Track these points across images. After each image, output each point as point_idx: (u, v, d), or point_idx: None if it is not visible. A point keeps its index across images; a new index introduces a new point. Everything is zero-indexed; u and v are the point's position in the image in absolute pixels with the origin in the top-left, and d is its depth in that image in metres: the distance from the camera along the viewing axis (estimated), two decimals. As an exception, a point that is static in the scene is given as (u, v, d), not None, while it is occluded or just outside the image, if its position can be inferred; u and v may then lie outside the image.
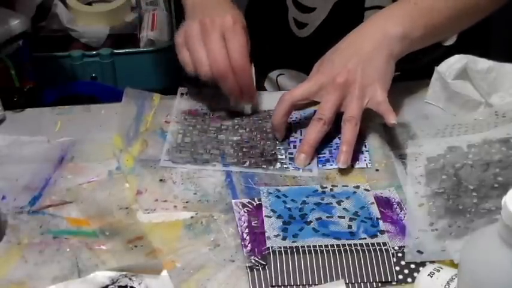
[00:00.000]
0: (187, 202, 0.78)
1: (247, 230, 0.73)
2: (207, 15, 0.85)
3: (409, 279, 0.68)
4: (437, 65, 0.89)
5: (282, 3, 1.00)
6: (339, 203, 0.77)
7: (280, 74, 1.06)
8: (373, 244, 0.71)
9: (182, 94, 0.94)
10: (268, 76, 1.07)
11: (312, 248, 0.71)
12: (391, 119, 0.80)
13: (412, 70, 0.96)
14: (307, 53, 0.95)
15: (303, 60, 0.92)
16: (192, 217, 0.76)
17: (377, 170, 0.82)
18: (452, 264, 0.68)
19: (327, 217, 0.75)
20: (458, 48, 0.93)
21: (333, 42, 0.85)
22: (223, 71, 0.83)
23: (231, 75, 0.84)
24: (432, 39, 0.89)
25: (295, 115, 0.89)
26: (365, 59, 0.83)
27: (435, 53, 0.98)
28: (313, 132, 0.82)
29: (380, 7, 0.92)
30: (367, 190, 0.79)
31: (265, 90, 1.07)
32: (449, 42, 0.98)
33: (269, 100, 0.92)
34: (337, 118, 0.84)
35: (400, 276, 0.69)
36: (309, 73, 0.87)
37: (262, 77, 1.07)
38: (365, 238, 0.72)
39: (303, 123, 0.88)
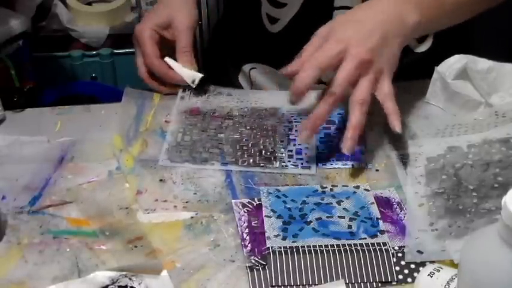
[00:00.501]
0: (187, 202, 0.78)
1: (247, 230, 0.73)
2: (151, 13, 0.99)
3: (409, 279, 0.68)
4: (407, 71, 0.88)
5: None
6: (339, 203, 0.77)
7: (253, 68, 1.06)
8: (373, 244, 0.71)
9: (182, 97, 0.94)
10: (242, 69, 1.07)
11: (312, 248, 0.71)
12: (396, 126, 0.78)
13: None
14: (279, 48, 0.95)
15: (275, 55, 0.93)
16: (192, 217, 0.76)
17: (377, 170, 0.82)
18: (452, 264, 0.68)
19: (327, 217, 0.75)
20: (434, 53, 0.93)
21: (304, 38, 0.84)
22: (143, 77, 0.96)
23: (148, 79, 0.96)
24: (437, 28, 0.88)
25: (295, 115, 0.89)
26: (384, 43, 0.79)
27: (406, 59, 0.98)
28: (323, 106, 0.78)
29: (348, 7, 0.93)
30: (367, 190, 0.79)
31: (239, 83, 1.07)
32: (424, 48, 0.98)
33: (270, 98, 0.93)
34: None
35: (400, 276, 0.69)
36: (279, 68, 0.83)
37: (237, 69, 1.07)
38: (365, 238, 0.72)
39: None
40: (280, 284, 0.68)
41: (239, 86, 1.06)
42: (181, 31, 0.93)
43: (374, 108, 0.83)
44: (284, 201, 0.77)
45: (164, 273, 0.68)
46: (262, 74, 1.05)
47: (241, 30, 0.95)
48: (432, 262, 0.69)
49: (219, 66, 1.12)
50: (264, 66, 1.05)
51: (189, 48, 0.93)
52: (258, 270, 0.69)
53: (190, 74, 0.93)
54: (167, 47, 0.95)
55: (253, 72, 1.06)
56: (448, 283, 0.63)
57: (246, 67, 1.06)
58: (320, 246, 0.71)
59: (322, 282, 0.68)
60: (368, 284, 0.68)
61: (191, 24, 0.94)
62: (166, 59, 0.94)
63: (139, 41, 0.93)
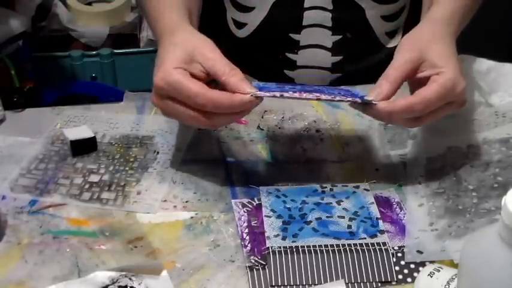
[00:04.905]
0: (187, 202, 0.78)
1: (247, 230, 0.73)
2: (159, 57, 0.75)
3: (409, 279, 0.68)
4: (381, 68, 0.87)
5: (219, 4, 0.99)
6: (338, 202, 0.77)
7: None
8: (372, 244, 0.71)
9: None
10: None
11: (311, 248, 0.71)
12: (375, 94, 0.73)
13: (356, 71, 0.96)
14: (248, 53, 0.94)
15: (244, 61, 0.85)
16: (192, 217, 0.76)
17: (377, 169, 0.82)
18: (452, 264, 0.68)
19: (327, 217, 0.75)
20: None
21: (273, 43, 0.82)
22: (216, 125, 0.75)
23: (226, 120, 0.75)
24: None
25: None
26: None
27: (379, 55, 0.99)
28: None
29: (320, 8, 0.93)
30: (367, 190, 0.79)
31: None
32: (393, 43, 0.98)
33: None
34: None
35: (400, 276, 0.69)
36: (251, 73, 0.78)
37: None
38: (365, 238, 0.72)
39: None
40: (280, 284, 0.68)
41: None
42: (214, 57, 0.74)
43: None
44: (284, 201, 0.77)
45: (164, 273, 0.69)
46: None
47: (208, 37, 0.83)
48: (432, 262, 0.69)
49: None
50: None
51: (235, 68, 0.74)
52: (257, 270, 0.69)
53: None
54: None
55: None
56: (448, 283, 0.63)
57: None
58: (320, 246, 0.71)
59: (322, 282, 0.68)
60: (368, 284, 0.68)
61: (216, 48, 0.76)
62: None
63: (173, 87, 0.71)
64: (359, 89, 0.77)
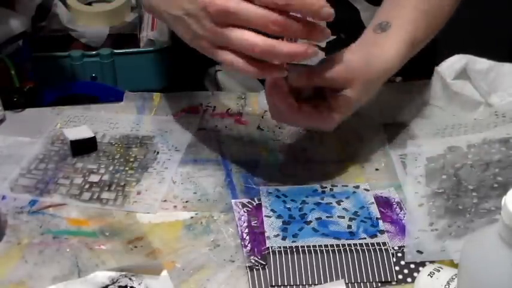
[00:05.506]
0: (187, 202, 0.78)
1: (247, 230, 0.73)
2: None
3: (409, 279, 0.68)
4: (407, 70, 0.88)
5: None
6: (338, 202, 0.77)
7: (218, 70, 1.05)
8: (372, 244, 0.71)
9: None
10: (208, 71, 1.06)
11: (311, 248, 0.71)
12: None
13: None
14: None
15: None
16: (191, 217, 0.76)
17: (377, 169, 0.82)
18: (452, 264, 0.68)
19: (327, 217, 0.75)
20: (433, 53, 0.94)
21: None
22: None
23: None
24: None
25: None
26: None
27: None
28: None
29: None
30: (367, 190, 0.79)
31: (205, 86, 1.06)
32: None
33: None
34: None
35: (400, 276, 0.69)
36: None
37: (202, 73, 1.06)
38: (365, 238, 0.72)
39: None
40: (280, 284, 0.68)
41: (205, 90, 1.04)
42: None
43: (372, 109, 0.84)
44: (284, 201, 0.77)
45: (164, 273, 0.69)
46: (229, 76, 1.04)
47: None
48: (432, 262, 0.69)
49: (183, 69, 1.09)
50: None
51: None
52: (257, 270, 0.69)
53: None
54: None
55: (220, 74, 1.04)
56: (448, 283, 0.63)
57: (212, 69, 1.05)
58: (320, 246, 0.71)
59: (322, 282, 0.68)
60: (368, 284, 0.68)
61: None
62: None
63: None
64: None
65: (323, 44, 0.96)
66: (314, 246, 0.71)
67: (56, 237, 0.73)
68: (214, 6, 0.67)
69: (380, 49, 0.77)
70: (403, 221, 0.75)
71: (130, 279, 0.68)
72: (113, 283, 0.67)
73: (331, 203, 0.77)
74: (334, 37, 0.96)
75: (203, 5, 0.67)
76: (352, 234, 0.73)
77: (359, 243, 0.71)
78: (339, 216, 0.75)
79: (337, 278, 0.68)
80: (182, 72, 1.08)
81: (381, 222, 0.74)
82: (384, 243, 0.71)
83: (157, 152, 0.85)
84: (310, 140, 0.87)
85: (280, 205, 0.76)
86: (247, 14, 0.66)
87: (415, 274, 0.68)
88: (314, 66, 0.76)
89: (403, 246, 0.71)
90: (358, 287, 0.68)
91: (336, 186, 0.79)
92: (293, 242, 0.71)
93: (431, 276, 0.64)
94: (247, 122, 0.90)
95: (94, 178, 0.81)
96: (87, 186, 0.80)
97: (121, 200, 0.78)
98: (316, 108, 0.75)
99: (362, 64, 0.75)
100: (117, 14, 1.44)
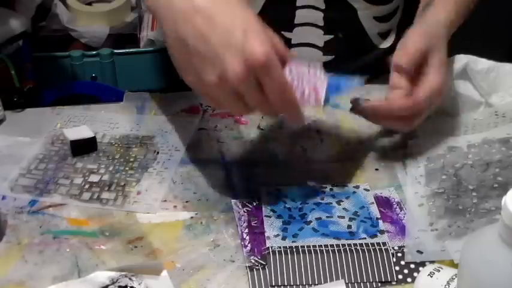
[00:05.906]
0: (187, 202, 0.78)
1: (247, 230, 0.73)
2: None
3: (409, 279, 0.68)
4: (373, 67, 0.89)
5: None
6: (338, 202, 0.77)
7: None
8: (372, 244, 0.71)
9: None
10: None
11: (311, 248, 0.71)
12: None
13: (348, 71, 0.96)
14: None
15: None
16: (192, 217, 0.76)
17: (377, 169, 0.82)
18: (452, 264, 0.68)
19: (327, 217, 0.75)
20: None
21: None
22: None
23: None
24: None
25: None
26: None
27: (371, 55, 0.99)
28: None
29: (312, 7, 0.93)
30: (367, 190, 0.79)
31: None
32: (386, 44, 0.98)
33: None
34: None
35: (400, 276, 0.69)
36: None
37: None
38: (365, 238, 0.72)
39: None
40: (280, 284, 0.68)
41: None
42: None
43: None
44: (284, 201, 0.77)
45: (164, 273, 0.68)
46: None
47: None
48: (432, 262, 0.69)
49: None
50: None
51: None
52: (257, 270, 0.69)
53: None
54: None
55: None
56: (448, 283, 0.62)
57: None
58: (320, 246, 0.71)
59: (322, 282, 0.68)
60: (368, 284, 0.68)
61: None
62: None
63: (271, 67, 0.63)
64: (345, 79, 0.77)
65: (320, 44, 0.96)
66: (314, 246, 0.71)
67: (56, 237, 0.73)
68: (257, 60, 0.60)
69: (431, 17, 0.82)
70: (403, 221, 0.75)
71: (130, 279, 0.68)
72: (113, 283, 0.67)
73: (331, 203, 0.77)
74: (332, 36, 0.96)
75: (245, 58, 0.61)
76: (352, 234, 0.73)
77: (359, 243, 0.71)
78: (339, 216, 0.75)
79: (337, 278, 0.68)
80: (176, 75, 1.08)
81: (381, 222, 0.74)
82: (384, 243, 0.71)
83: (157, 152, 0.85)
84: (310, 140, 0.87)
85: (280, 205, 0.76)
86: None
87: (415, 274, 0.68)
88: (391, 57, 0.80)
89: (403, 246, 0.71)
90: (358, 287, 0.68)
91: (336, 186, 0.79)
92: (293, 242, 0.71)
93: (431, 276, 0.64)
94: (247, 122, 0.90)
95: (94, 178, 0.81)
96: (87, 186, 0.80)
97: (121, 200, 0.78)
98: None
99: (427, 31, 0.80)
100: (117, 14, 1.44)
